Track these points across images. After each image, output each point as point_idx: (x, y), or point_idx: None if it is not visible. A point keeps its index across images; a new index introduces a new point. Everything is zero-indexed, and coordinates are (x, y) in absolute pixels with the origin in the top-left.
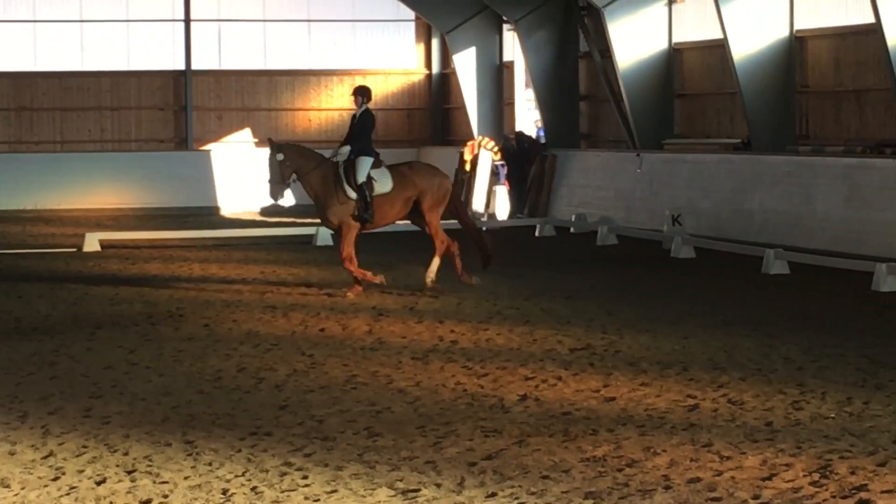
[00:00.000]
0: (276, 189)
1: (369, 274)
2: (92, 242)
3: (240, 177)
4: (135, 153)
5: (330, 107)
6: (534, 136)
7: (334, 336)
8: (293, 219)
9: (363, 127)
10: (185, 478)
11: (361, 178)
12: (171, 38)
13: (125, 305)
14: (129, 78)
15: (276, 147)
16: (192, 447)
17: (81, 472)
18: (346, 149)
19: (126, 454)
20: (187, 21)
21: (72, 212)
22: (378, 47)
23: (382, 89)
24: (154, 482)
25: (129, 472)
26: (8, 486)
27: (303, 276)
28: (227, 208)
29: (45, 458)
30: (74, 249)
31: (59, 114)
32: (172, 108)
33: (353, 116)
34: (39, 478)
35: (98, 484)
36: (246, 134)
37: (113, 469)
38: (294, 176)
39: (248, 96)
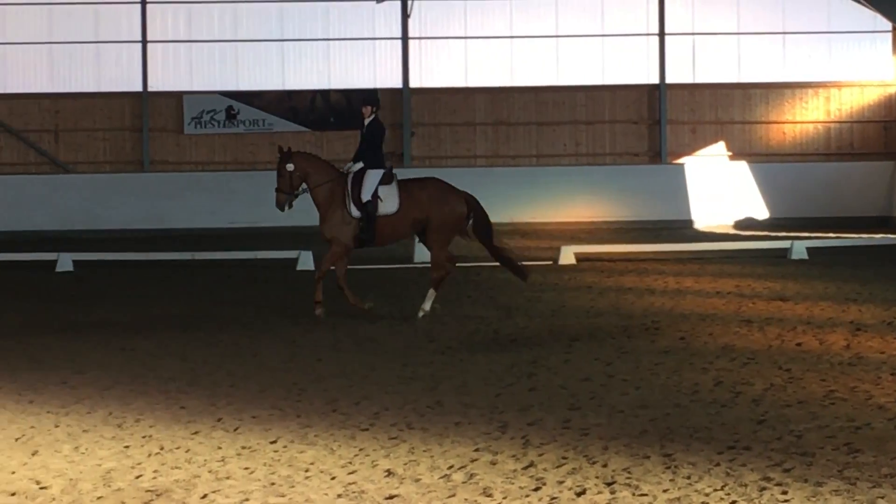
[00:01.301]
0: (283, 199)
1: (319, 299)
2: (567, 255)
3: (714, 190)
4: (609, 167)
5: (804, 119)
6: None
7: (811, 350)
8: (767, 232)
9: (372, 138)
10: (664, 490)
11: (366, 197)
12: (646, 52)
13: (601, 318)
14: (603, 92)
15: (286, 157)
16: (671, 460)
17: (561, 482)
18: (358, 165)
19: (605, 466)
20: (661, 35)
21: (547, 225)
22: (853, 59)
23: (858, 101)
24: (633, 494)
25: (609, 484)
26: (490, 496)
27: (778, 289)
28: (701, 221)
29: (525, 468)
30: (550, 262)
31: (535, 128)
32: (646, 122)
33: (362, 126)
34: (520, 487)
35: (578, 495)
36: (720, 147)
37: (592, 480)
38: (304, 186)
39: (722, 109)
